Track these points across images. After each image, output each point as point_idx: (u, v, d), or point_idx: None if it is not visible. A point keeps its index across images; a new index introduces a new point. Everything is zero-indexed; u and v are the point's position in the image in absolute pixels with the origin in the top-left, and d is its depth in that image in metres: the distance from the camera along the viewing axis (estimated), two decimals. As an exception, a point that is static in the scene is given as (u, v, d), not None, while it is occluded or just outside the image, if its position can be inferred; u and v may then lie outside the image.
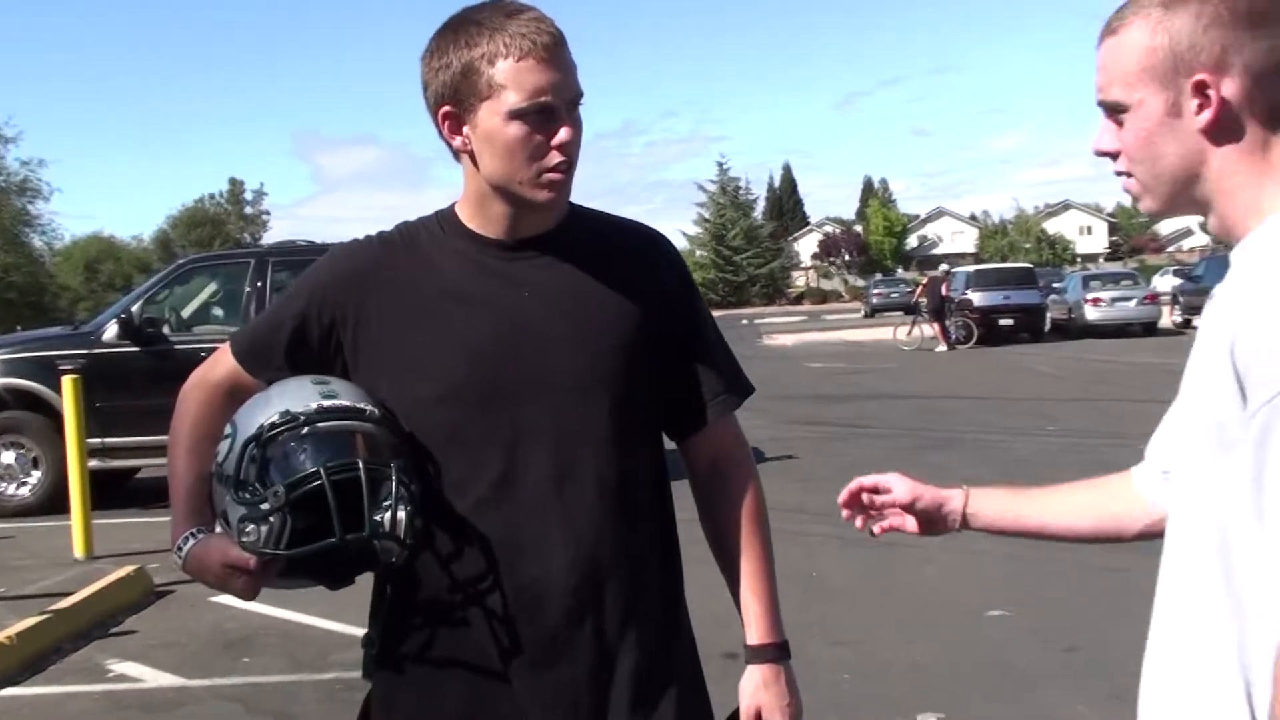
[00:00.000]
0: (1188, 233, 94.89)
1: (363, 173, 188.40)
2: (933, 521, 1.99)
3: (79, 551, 8.46)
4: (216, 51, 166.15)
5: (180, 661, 6.23)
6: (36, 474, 10.67)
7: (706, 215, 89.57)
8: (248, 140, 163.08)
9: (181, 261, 13.68)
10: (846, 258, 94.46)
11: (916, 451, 11.96)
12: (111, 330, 10.85)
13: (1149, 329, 30.16)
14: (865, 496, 2.03)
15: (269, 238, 77.49)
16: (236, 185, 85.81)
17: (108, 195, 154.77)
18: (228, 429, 1.89)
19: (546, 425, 1.88)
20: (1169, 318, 31.94)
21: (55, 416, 10.03)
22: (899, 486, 1.99)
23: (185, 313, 11.86)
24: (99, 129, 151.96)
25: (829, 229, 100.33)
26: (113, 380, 10.41)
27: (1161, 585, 1.61)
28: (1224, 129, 1.50)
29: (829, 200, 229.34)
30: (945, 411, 16.07)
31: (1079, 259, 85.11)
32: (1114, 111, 1.58)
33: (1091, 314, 30.30)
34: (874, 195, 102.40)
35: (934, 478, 2.05)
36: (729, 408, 2.05)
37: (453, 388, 1.89)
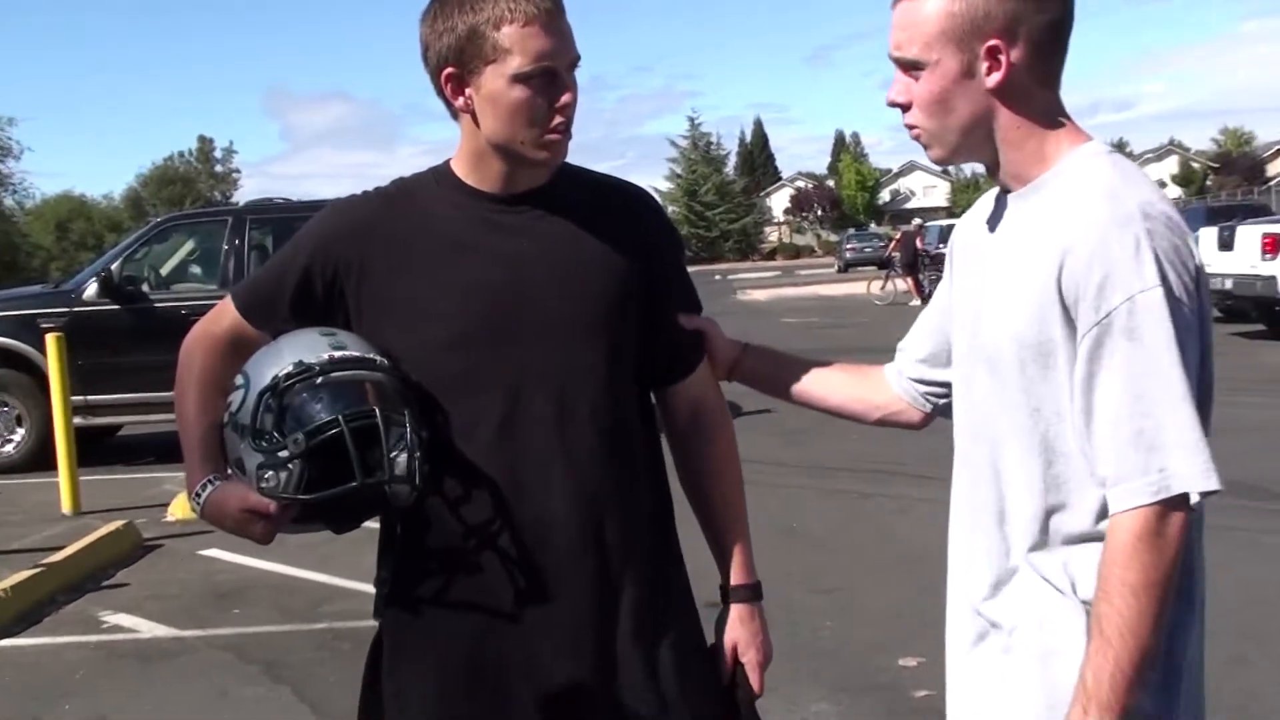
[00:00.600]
0: (1160, 185, 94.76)
1: (333, 130, 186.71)
2: (713, 362, 2.20)
3: (67, 507, 8.55)
4: (185, 6, 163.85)
5: (172, 613, 6.33)
6: (20, 431, 10.71)
7: (679, 171, 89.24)
8: (216, 98, 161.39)
9: (159, 220, 13.63)
10: (819, 213, 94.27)
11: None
12: (92, 288, 10.85)
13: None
14: None
15: (240, 196, 76.77)
16: (206, 143, 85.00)
17: (78, 153, 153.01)
18: (239, 380, 1.95)
19: (547, 368, 1.98)
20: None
21: (37, 374, 10.09)
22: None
23: (164, 270, 11.85)
24: (67, 87, 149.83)
25: (801, 184, 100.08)
26: (94, 338, 10.43)
27: (959, 479, 1.88)
28: (1011, 89, 1.72)
29: (801, 155, 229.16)
30: (919, 365, 16.14)
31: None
32: (910, 68, 1.76)
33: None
34: (846, 149, 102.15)
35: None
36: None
37: (457, 334, 1.98)
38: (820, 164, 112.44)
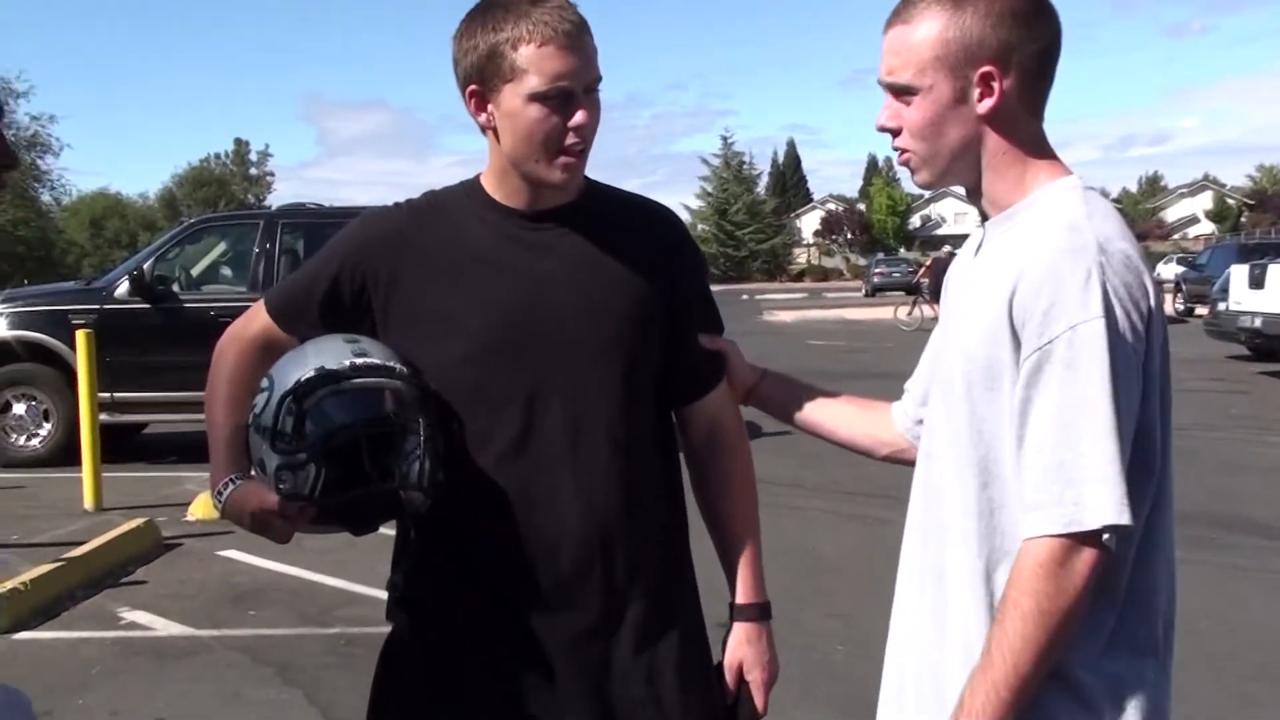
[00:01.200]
0: (1193, 220, 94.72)
1: (368, 137, 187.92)
2: (730, 384, 2.23)
3: (89, 503, 8.63)
4: (226, 11, 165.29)
5: (189, 612, 6.38)
6: (47, 426, 10.78)
7: (710, 189, 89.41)
8: (254, 101, 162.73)
9: (192, 221, 13.75)
10: (849, 236, 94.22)
11: (913, 430, 12.04)
12: (123, 287, 10.94)
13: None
14: None
15: (273, 199, 77.46)
16: (242, 145, 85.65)
17: (115, 152, 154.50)
18: (265, 382, 2.00)
19: (563, 384, 2.01)
20: (1171, 305, 31.98)
21: (66, 370, 10.17)
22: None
23: (195, 271, 11.94)
24: (107, 86, 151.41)
25: (832, 206, 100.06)
26: (123, 336, 10.50)
27: (915, 493, 1.90)
28: (1001, 116, 1.74)
29: (833, 178, 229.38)
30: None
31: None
32: (901, 93, 1.78)
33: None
34: (878, 174, 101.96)
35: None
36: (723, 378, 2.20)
37: (478, 346, 2.01)
38: (852, 187, 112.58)
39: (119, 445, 10.76)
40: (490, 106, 1.99)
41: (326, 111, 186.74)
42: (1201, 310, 23.91)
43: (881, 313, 35.13)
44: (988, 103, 1.73)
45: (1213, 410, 13.03)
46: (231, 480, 2.03)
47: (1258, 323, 16.72)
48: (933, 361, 1.95)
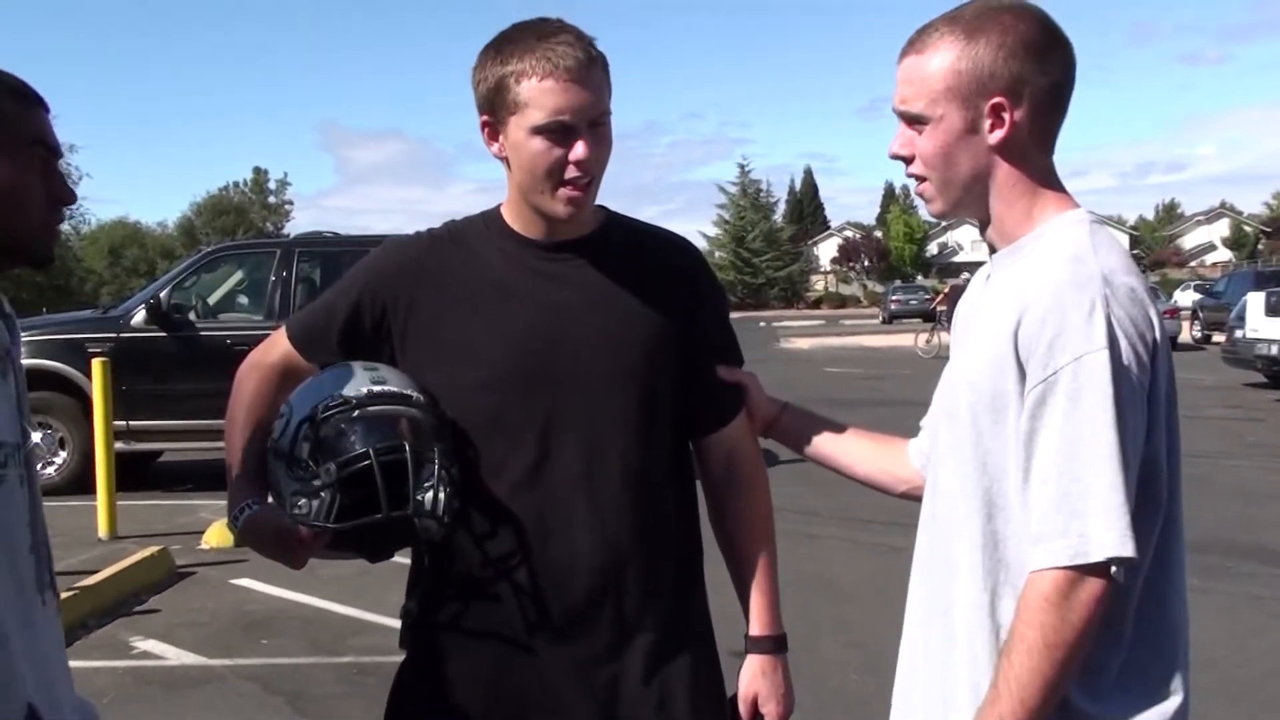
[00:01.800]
0: (1210, 248, 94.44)
1: (386, 166, 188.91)
2: (750, 417, 2.23)
3: (103, 531, 8.64)
4: (246, 40, 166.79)
5: (201, 641, 6.37)
6: (63, 454, 10.82)
7: (727, 217, 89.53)
8: (273, 130, 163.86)
9: (209, 249, 13.82)
10: (866, 263, 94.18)
11: (929, 458, 12.00)
12: (139, 315, 11.00)
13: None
14: None
15: (291, 228, 77.77)
16: (260, 174, 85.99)
17: (134, 181, 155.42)
18: (283, 409, 2.02)
19: (578, 413, 2.01)
20: (1188, 333, 31.88)
21: (83, 398, 10.22)
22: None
23: (211, 300, 12.00)
24: (127, 115, 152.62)
25: (849, 234, 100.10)
26: (139, 364, 10.56)
27: (923, 524, 1.89)
28: (1011, 147, 1.75)
29: (850, 205, 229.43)
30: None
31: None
32: (914, 122, 1.79)
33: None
34: (895, 201, 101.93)
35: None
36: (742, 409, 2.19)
37: (494, 375, 2.02)
38: (869, 215, 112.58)
39: (134, 473, 10.79)
40: (500, 138, 2.01)
41: (345, 140, 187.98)
42: (1219, 337, 23.82)
43: (899, 340, 35.11)
44: (998, 134, 1.74)
45: (1229, 438, 12.97)
46: (249, 505, 2.03)
47: (1275, 350, 16.67)
48: (937, 391, 1.94)
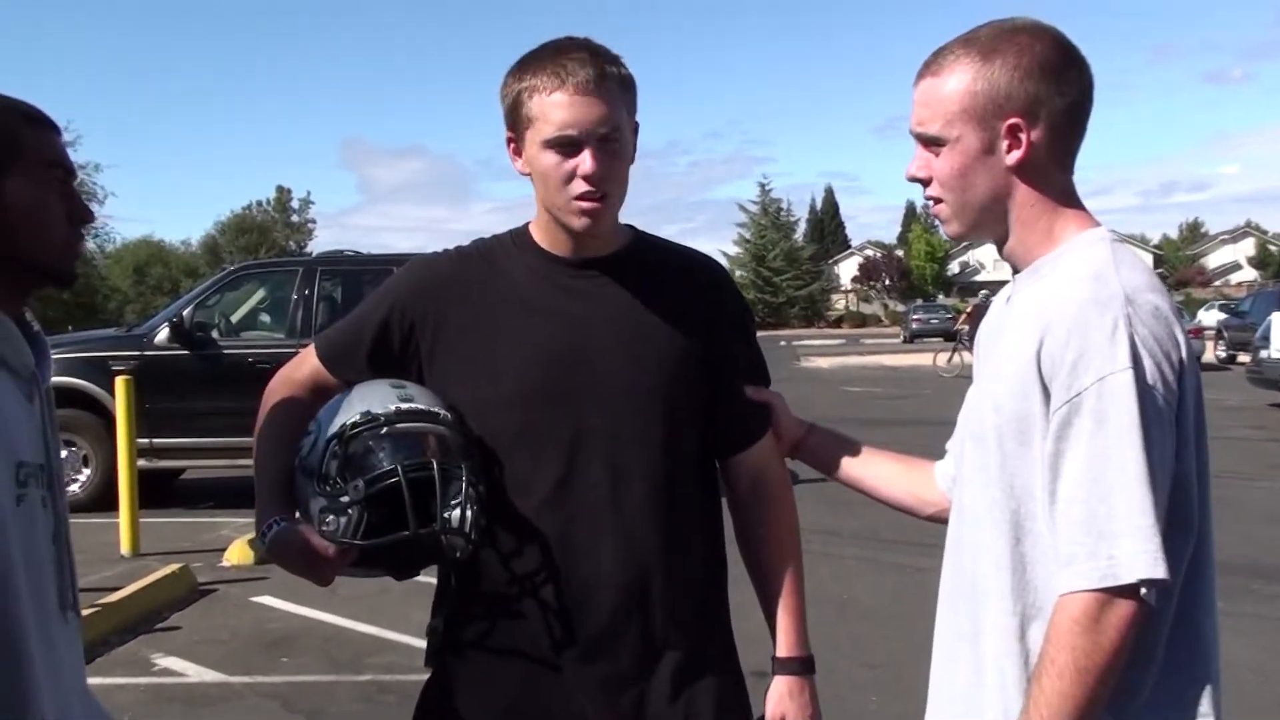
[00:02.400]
0: (1235, 267, 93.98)
1: (408, 184, 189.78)
2: (776, 437, 2.23)
3: (126, 548, 8.68)
4: (269, 59, 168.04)
5: (222, 658, 6.38)
6: (87, 471, 10.86)
7: (747, 236, 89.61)
8: (296, 149, 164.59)
9: (232, 268, 13.91)
10: (887, 282, 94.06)
11: (951, 478, 11.94)
12: (163, 333, 11.06)
13: (1191, 363, 29.80)
14: None
15: (314, 246, 78.13)
16: (284, 193, 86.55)
17: (159, 200, 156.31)
18: (311, 426, 2.03)
19: (603, 430, 2.02)
20: (1212, 353, 31.68)
21: (106, 416, 10.25)
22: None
23: (234, 318, 12.05)
24: (151, 134, 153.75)
25: (870, 253, 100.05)
26: (162, 382, 10.60)
27: (949, 549, 1.88)
28: (1029, 168, 1.74)
29: (871, 224, 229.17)
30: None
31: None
32: (931, 143, 1.78)
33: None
34: (916, 220, 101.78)
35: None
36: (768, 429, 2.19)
37: (520, 391, 2.03)
38: (890, 234, 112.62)
39: (156, 491, 10.83)
40: (523, 153, 2.04)
41: (367, 158, 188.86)
42: (1243, 358, 23.67)
43: (920, 359, 34.99)
44: (1015, 155, 1.73)
45: (1254, 458, 12.87)
46: (276, 521, 2.03)
47: (1299, 370, 16.53)
48: (961, 413, 1.93)
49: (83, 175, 49.89)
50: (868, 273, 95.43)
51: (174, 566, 7.98)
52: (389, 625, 6.62)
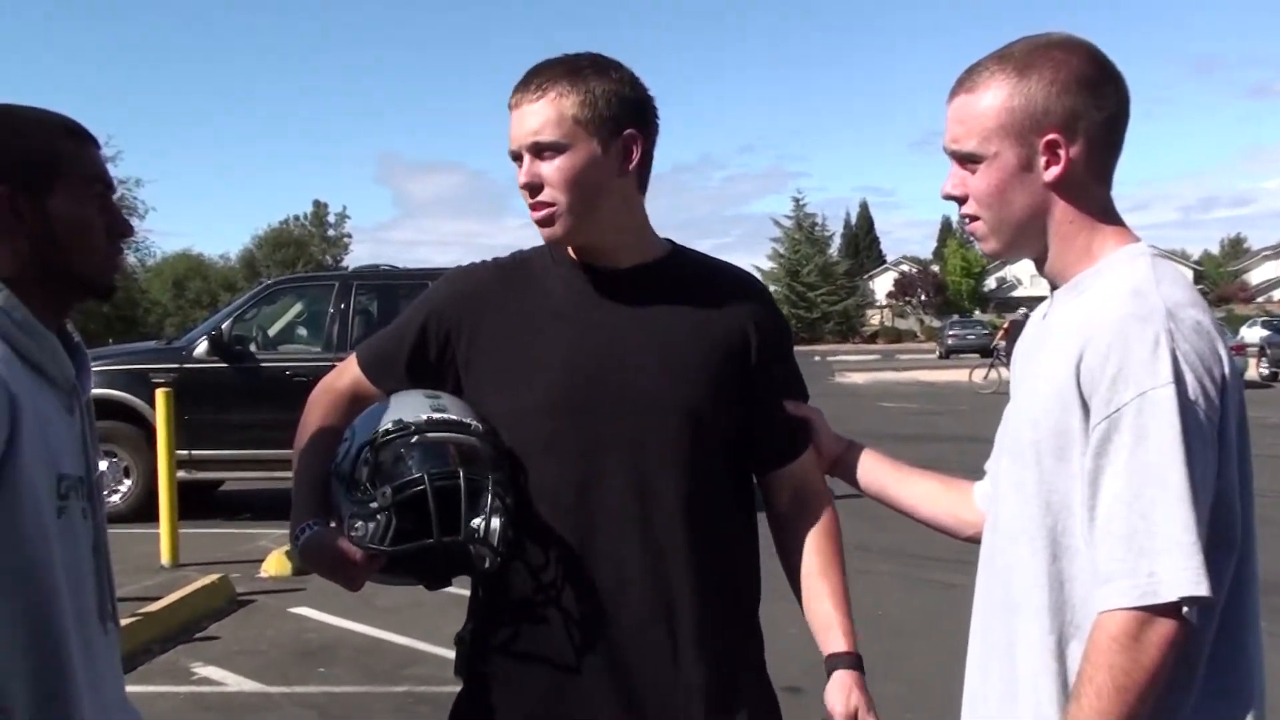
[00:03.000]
0: (1279, 283, 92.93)
1: (444, 198, 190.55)
2: (816, 454, 2.21)
3: (166, 559, 8.76)
4: (306, 75, 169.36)
5: (260, 668, 6.44)
6: (127, 483, 10.99)
7: (781, 250, 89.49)
8: (333, 164, 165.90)
9: (269, 282, 14.03)
10: (922, 297, 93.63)
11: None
12: (202, 346, 11.19)
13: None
14: None
15: (350, 260, 78.64)
16: (320, 207, 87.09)
17: (198, 214, 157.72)
18: (346, 433, 2.07)
19: (632, 440, 2.03)
20: (1255, 369, 31.33)
21: (146, 427, 10.37)
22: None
23: (272, 331, 12.16)
24: (192, 149, 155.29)
25: (905, 268, 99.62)
26: (201, 394, 10.71)
27: (984, 564, 1.86)
28: (1067, 183, 1.72)
29: (906, 239, 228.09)
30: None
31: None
32: (966, 161, 1.77)
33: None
34: (952, 235, 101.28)
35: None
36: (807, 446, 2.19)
37: (551, 400, 2.04)
38: (925, 248, 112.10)
39: (196, 502, 10.92)
40: None
41: (403, 173, 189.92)
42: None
43: (955, 375, 34.77)
44: (1054, 170, 1.72)
45: (1298, 476, 12.69)
46: (308, 526, 2.06)
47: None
48: (1000, 429, 1.92)
49: (123, 190, 50.46)
50: (903, 288, 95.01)
51: (213, 577, 8.06)
52: (425, 637, 6.65)
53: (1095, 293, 1.70)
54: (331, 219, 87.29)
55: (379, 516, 1.94)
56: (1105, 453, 1.58)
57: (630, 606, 2.01)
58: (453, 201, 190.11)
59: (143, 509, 10.46)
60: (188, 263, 75.89)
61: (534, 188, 2.02)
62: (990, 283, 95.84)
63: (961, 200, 1.81)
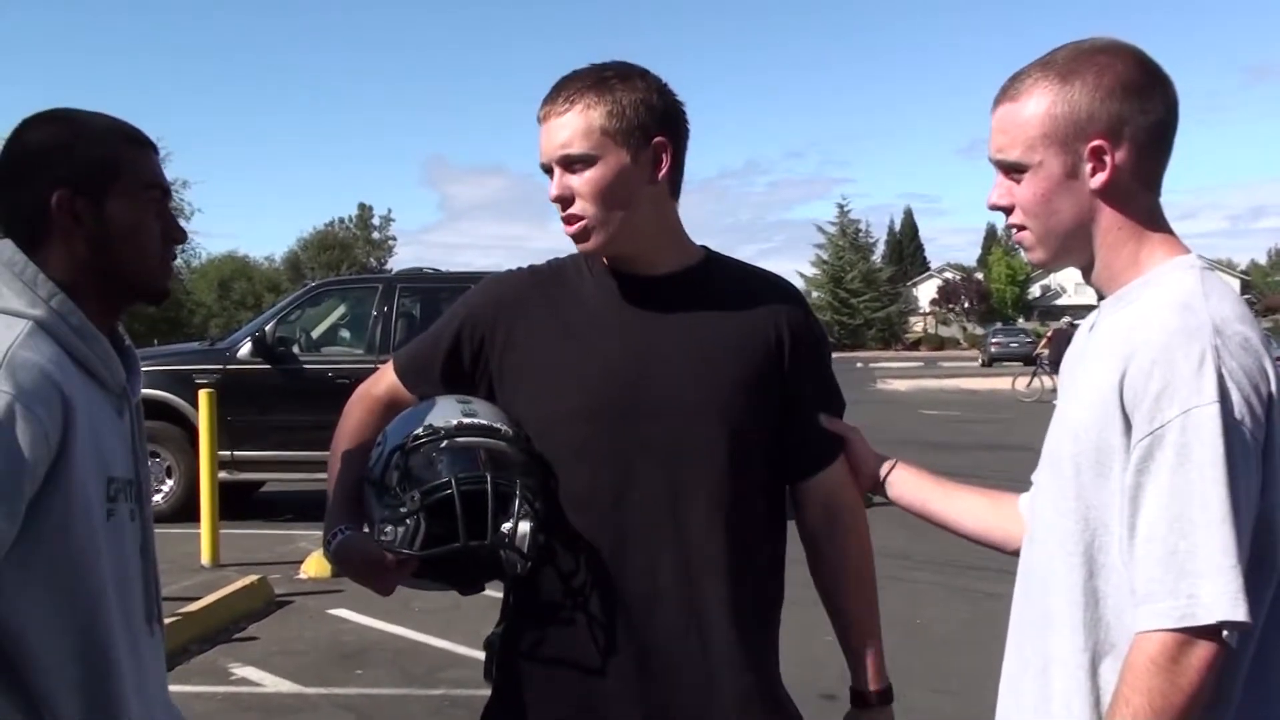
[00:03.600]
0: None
1: (488, 202, 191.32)
2: (857, 474, 2.17)
3: (206, 559, 8.84)
4: (354, 79, 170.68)
5: (298, 669, 6.47)
6: (169, 483, 11.07)
7: (825, 257, 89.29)
8: (379, 166, 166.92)
9: (313, 284, 14.13)
10: (966, 305, 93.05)
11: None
12: (245, 348, 11.27)
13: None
14: None
15: (395, 263, 79.00)
16: (365, 210, 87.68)
17: (244, 216, 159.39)
18: (379, 438, 2.07)
19: (665, 446, 2.01)
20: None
21: (189, 428, 10.44)
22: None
23: (315, 334, 12.25)
24: (239, 151, 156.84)
25: (949, 275, 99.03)
26: (244, 396, 10.79)
27: (1021, 577, 1.82)
28: (1114, 190, 1.69)
29: (951, 246, 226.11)
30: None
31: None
32: (1012, 170, 1.74)
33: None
34: (997, 243, 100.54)
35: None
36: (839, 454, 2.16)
37: (582, 406, 2.03)
38: (970, 256, 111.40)
39: (237, 503, 11.01)
40: None
41: (449, 176, 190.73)
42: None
43: (998, 383, 34.56)
44: (1100, 177, 1.68)
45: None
46: (341, 530, 2.06)
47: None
48: (1045, 441, 1.87)
49: (172, 191, 50.86)
50: (947, 295, 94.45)
51: (252, 578, 8.11)
52: (462, 640, 6.66)
53: (1142, 305, 1.67)
54: (376, 221, 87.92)
55: (408, 521, 1.93)
56: (1147, 470, 1.55)
57: (661, 614, 2.00)
58: (497, 205, 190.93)
59: (184, 509, 10.52)
60: (233, 264, 76.54)
61: (565, 200, 2.02)
62: (1034, 290, 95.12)
63: (1008, 210, 1.78)
